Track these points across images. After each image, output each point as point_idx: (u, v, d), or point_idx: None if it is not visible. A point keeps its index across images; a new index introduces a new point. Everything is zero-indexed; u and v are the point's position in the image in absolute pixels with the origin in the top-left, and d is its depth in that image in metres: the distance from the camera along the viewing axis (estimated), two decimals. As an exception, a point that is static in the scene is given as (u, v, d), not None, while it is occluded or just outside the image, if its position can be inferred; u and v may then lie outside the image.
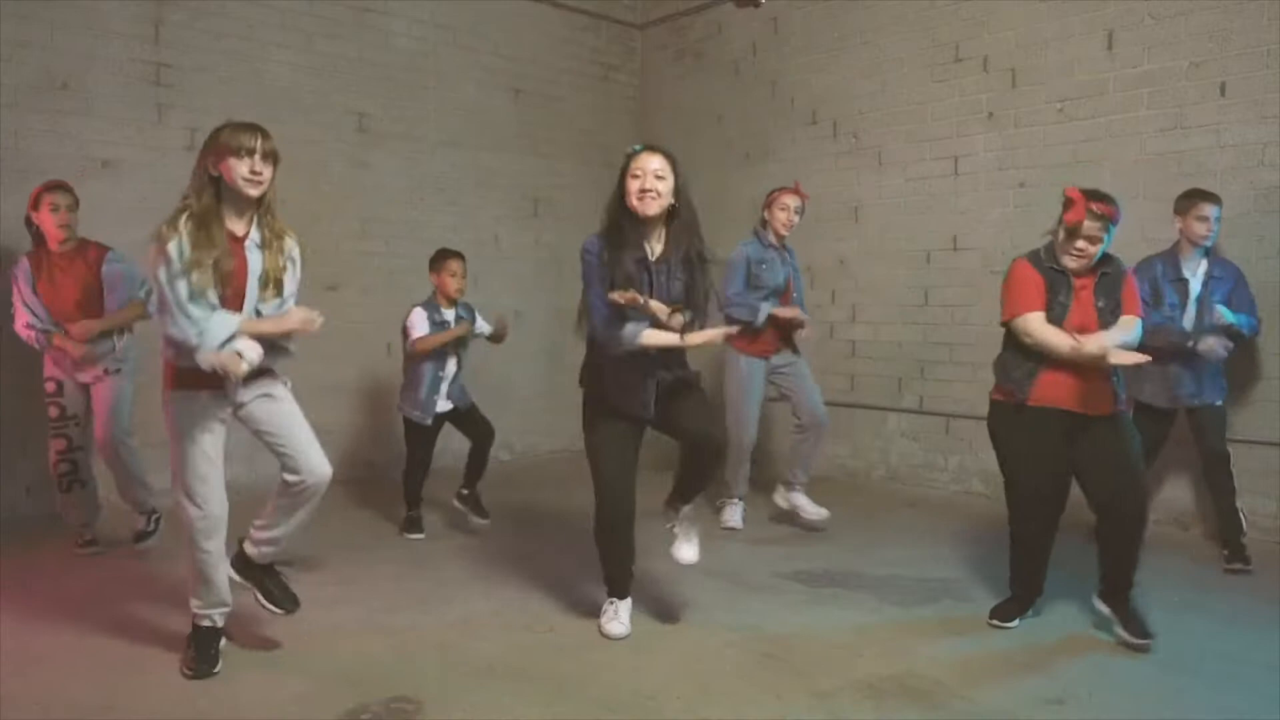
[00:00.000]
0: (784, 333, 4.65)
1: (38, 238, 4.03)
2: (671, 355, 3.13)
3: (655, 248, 3.10)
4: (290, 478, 2.84)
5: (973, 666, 3.01)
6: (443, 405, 4.55)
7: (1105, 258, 3.19)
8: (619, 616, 3.24)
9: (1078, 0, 5.10)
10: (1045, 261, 3.21)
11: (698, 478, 3.25)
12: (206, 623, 2.88)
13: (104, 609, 3.44)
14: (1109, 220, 3.07)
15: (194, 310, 2.61)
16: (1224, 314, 4.06)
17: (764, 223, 4.62)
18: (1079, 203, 3.07)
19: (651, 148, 3.04)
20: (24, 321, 4.01)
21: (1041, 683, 2.89)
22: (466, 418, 4.64)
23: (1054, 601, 3.45)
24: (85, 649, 3.07)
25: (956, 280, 5.69)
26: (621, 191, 3.04)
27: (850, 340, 6.21)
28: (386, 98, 6.13)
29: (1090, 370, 3.09)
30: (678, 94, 7.27)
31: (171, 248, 2.62)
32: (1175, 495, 4.78)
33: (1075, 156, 5.14)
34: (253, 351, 2.68)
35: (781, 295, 4.61)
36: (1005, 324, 3.26)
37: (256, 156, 2.69)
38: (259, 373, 2.77)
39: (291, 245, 2.88)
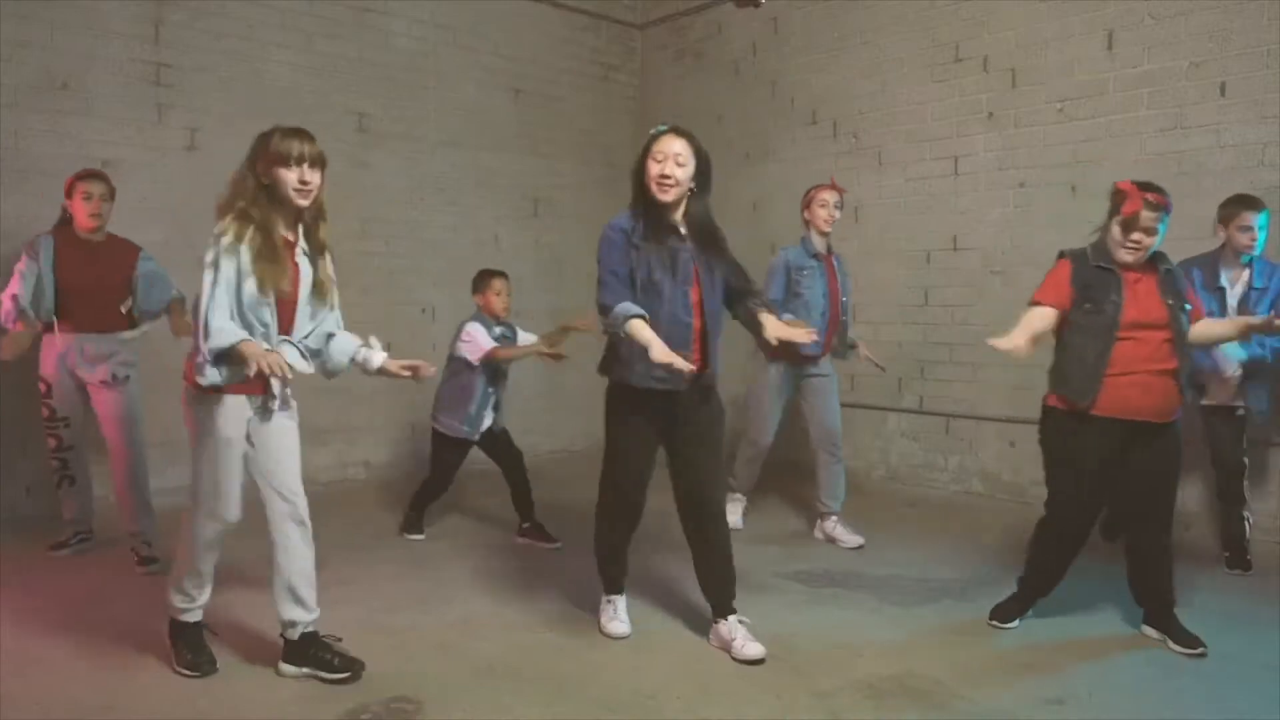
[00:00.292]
0: (833, 340, 4.54)
1: (66, 221, 3.98)
2: (682, 347, 2.93)
3: (682, 230, 3.03)
4: (268, 510, 2.80)
5: (973, 666, 3.01)
6: (486, 423, 4.47)
7: (1160, 255, 3.12)
8: (619, 614, 3.23)
9: (1078, 0, 5.10)
10: (1093, 260, 3.11)
11: (713, 557, 3.13)
12: (192, 617, 2.87)
13: (104, 609, 3.44)
14: (1164, 210, 3.01)
15: (214, 315, 2.59)
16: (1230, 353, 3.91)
17: (806, 224, 4.50)
18: (1134, 194, 3.00)
19: (676, 130, 2.97)
20: (12, 292, 3.86)
21: (1041, 683, 2.89)
22: (500, 441, 4.53)
23: (1054, 601, 3.45)
24: (85, 649, 3.06)
25: (956, 280, 5.69)
26: (642, 172, 2.99)
27: (850, 340, 6.20)
28: (386, 98, 6.13)
29: (1159, 377, 3.01)
30: (678, 94, 7.27)
31: (229, 247, 2.60)
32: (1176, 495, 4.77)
33: (1075, 156, 5.14)
34: (300, 363, 2.72)
35: (832, 309, 4.47)
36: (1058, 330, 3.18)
37: (305, 165, 2.67)
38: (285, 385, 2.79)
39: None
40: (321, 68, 5.83)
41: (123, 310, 4.08)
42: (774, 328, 3.06)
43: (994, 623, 3.32)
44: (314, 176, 2.70)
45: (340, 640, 2.94)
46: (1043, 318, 3.15)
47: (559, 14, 7.04)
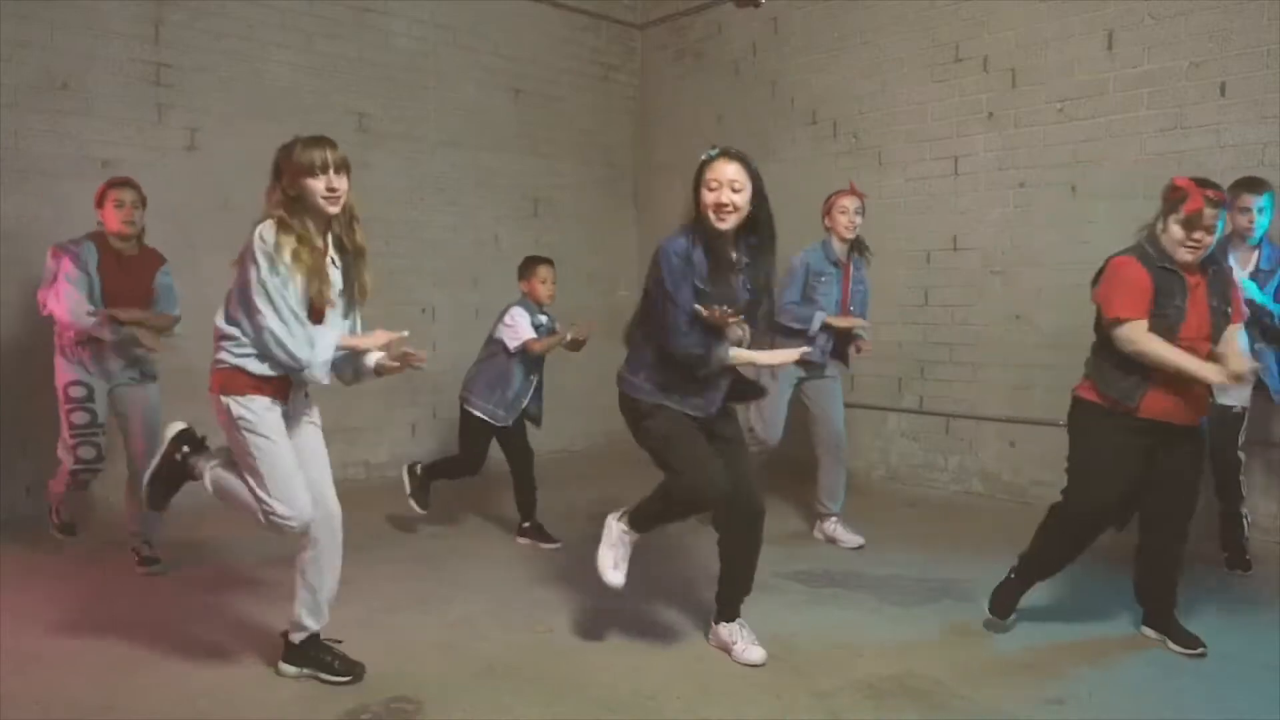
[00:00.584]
0: (839, 343, 4.49)
1: (99, 232, 3.93)
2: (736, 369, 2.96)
3: (733, 255, 2.94)
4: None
5: (973, 666, 3.01)
6: (521, 408, 4.46)
7: (1210, 254, 3.03)
8: (622, 564, 3.03)
9: (1078, 0, 5.10)
10: (1157, 260, 2.96)
11: (742, 564, 3.10)
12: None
13: (104, 609, 3.44)
14: (1224, 207, 2.94)
15: (305, 323, 2.59)
16: (1249, 288, 3.83)
17: (827, 230, 4.46)
18: (1195, 192, 2.89)
19: (727, 153, 2.86)
20: (76, 304, 3.73)
21: (1041, 683, 2.89)
22: (516, 434, 4.51)
23: (1054, 602, 3.45)
24: (85, 649, 3.07)
25: (956, 280, 5.69)
26: (697, 199, 2.86)
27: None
28: (386, 98, 6.13)
29: (1194, 384, 2.96)
30: (678, 94, 7.27)
31: (278, 256, 2.57)
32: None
33: (1075, 156, 5.14)
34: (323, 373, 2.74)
35: (839, 313, 4.45)
36: (1108, 325, 3.01)
37: (331, 172, 2.65)
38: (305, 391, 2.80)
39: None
40: (321, 68, 5.83)
41: None
42: (764, 359, 2.97)
43: (992, 614, 3.27)
44: (341, 182, 2.68)
45: (341, 642, 2.93)
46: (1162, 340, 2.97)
47: (559, 14, 7.04)
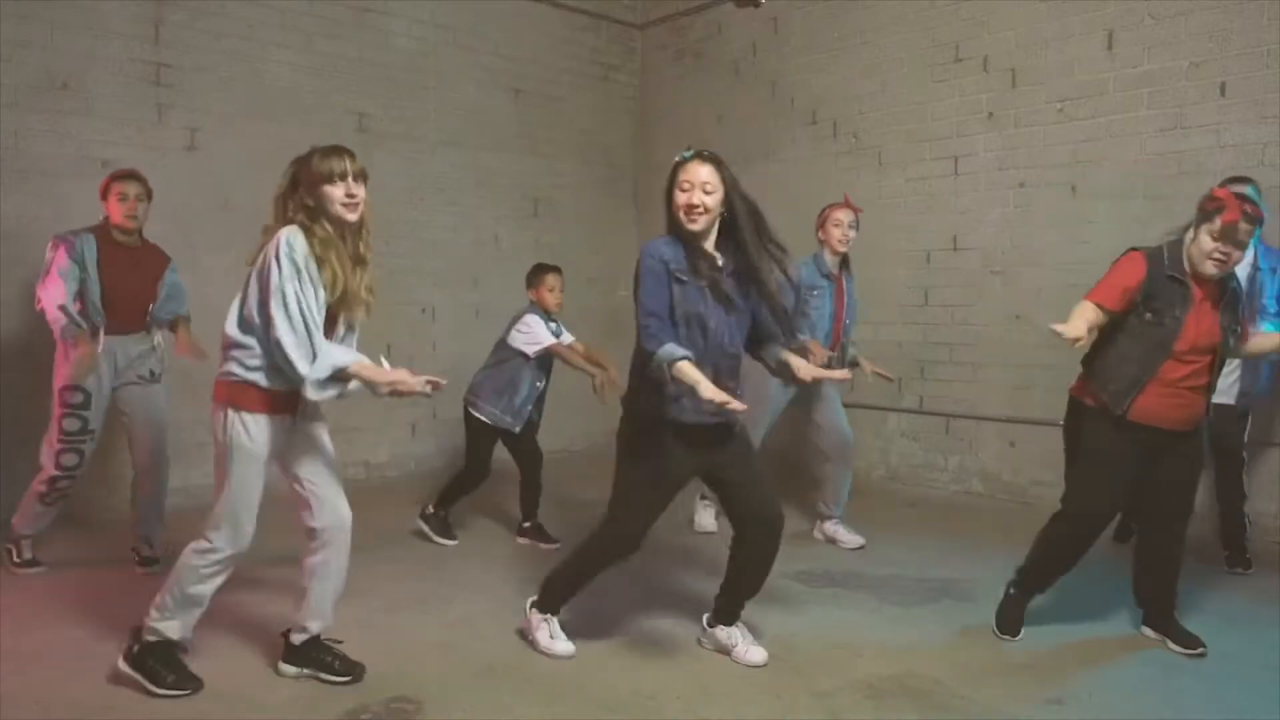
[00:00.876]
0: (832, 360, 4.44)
1: (104, 223, 3.89)
2: (730, 379, 2.89)
3: (718, 258, 2.91)
4: (312, 522, 2.79)
5: (973, 666, 3.01)
6: (527, 416, 4.46)
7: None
8: (560, 634, 3.10)
9: (1078, 0, 5.10)
10: (1167, 268, 2.95)
11: (757, 572, 3.05)
12: (172, 634, 2.73)
13: (104, 609, 3.44)
14: (1260, 224, 2.90)
15: (315, 335, 2.56)
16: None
17: (820, 243, 4.44)
18: (1233, 204, 2.85)
19: (700, 155, 2.85)
20: (58, 298, 3.67)
21: (1041, 683, 2.89)
22: (525, 437, 4.51)
23: (1054, 602, 3.44)
24: (85, 649, 3.06)
25: (956, 280, 5.69)
26: (670, 202, 2.86)
27: (850, 340, 6.19)
28: (386, 98, 6.13)
29: (1192, 389, 2.97)
30: (678, 94, 7.27)
31: (303, 262, 2.55)
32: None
33: (1075, 156, 5.14)
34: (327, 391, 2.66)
35: (835, 329, 4.44)
36: (1109, 321, 3.03)
37: (350, 179, 2.63)
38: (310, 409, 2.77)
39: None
40: (321, 68, 5.83)
41: (147, 315, 3.99)
42: (806, 370, 2.98)
43: (1004, 636, 3.21)
44: (360, 190, 2.66)
45: (342, 643, 2.93)
46: (1097, 316, 2.98)
47: (559, 14, 7.04)
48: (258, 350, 2.62)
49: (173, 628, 2.74)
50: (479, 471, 4.50)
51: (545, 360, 4.41)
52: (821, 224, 4.43)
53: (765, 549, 3.03)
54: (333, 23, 5.87)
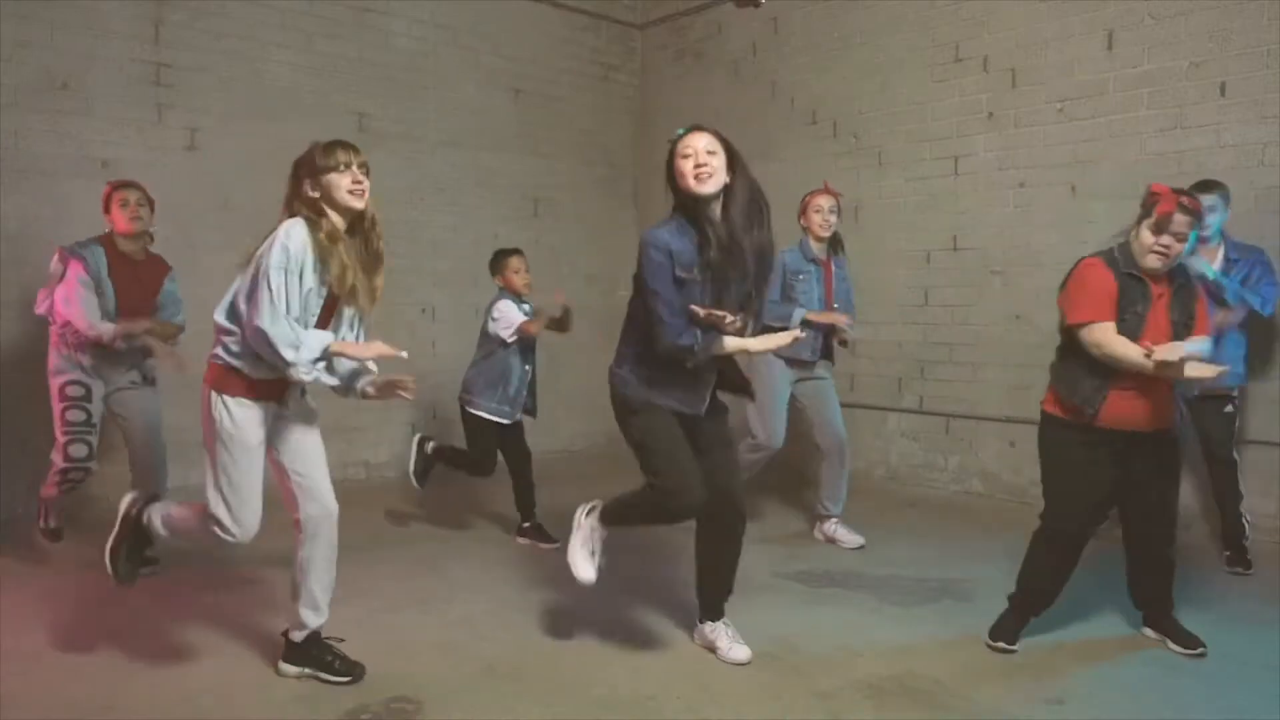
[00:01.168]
0: (825, 341, 4.49)
1: (107, 237, 3.91)
2: (727, 361, 2.93)
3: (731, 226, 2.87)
4: (300, 512, 2.79)
5: (973, 666, 3.01)
6: (522, 404, 4.46)
7: (1181, 266, 3.04)
8: (596, 555, 3.01)
9: (1078, 0, 5.10)
10: (1123, 266, 2.97)
11: (723, 569, 3.08)
12: (152, 529, 2.81)
13: (104, 609, 3.44)
14: (1197, 216, 2.92)
15: (291, 328, 2.55)
16: (1200, 266, 3.88)
17: (804, 230, 4.47)
18: (1168, 196, 2.90)
19: (697, 127, 2.85)
20: (94, 314, 3.74)
21: (1041, 683, 2.89)
22: (516, 433, 4.51)
23: (1054, 603, 3.44)
24: (85, 649, 3.07)
25: (956, 280, 5.69)
26: (673, 175, 2.84)
27: (850, 340, 6.19)
28: (386, 98, 6.13)
29: (1158, 387, 2.95)
30: (678, 94, 7.27)
31: (295, 252, 2.55)
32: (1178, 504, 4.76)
33: (1075, 156, 5.14)
34: (325, 376, 2.69)
35: (824, 309, 4.44)
36: (1071, 328, 3.01)
37: (355, 168, 2.65)
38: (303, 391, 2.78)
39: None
40: (321, 68, 5.83)
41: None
42: (759, 344, 2.90)
43: (997, 644, 3.16)
44: (366, 179, 2.68)
45: (343, 641, 2.93)
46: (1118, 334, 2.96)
47: (559, 14, 7.04)
48: (241, 338, 2.64)
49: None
50: (483, 465, 4.47)
51: (527, 342, 4.41)
52: (803, 211, 4.49)
53: (726, 544, 3.06)
54: (333, 23, 5.88)
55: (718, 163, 2.80)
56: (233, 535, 2.68)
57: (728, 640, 3.07)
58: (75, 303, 3.74)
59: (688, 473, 2.84)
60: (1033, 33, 5.28)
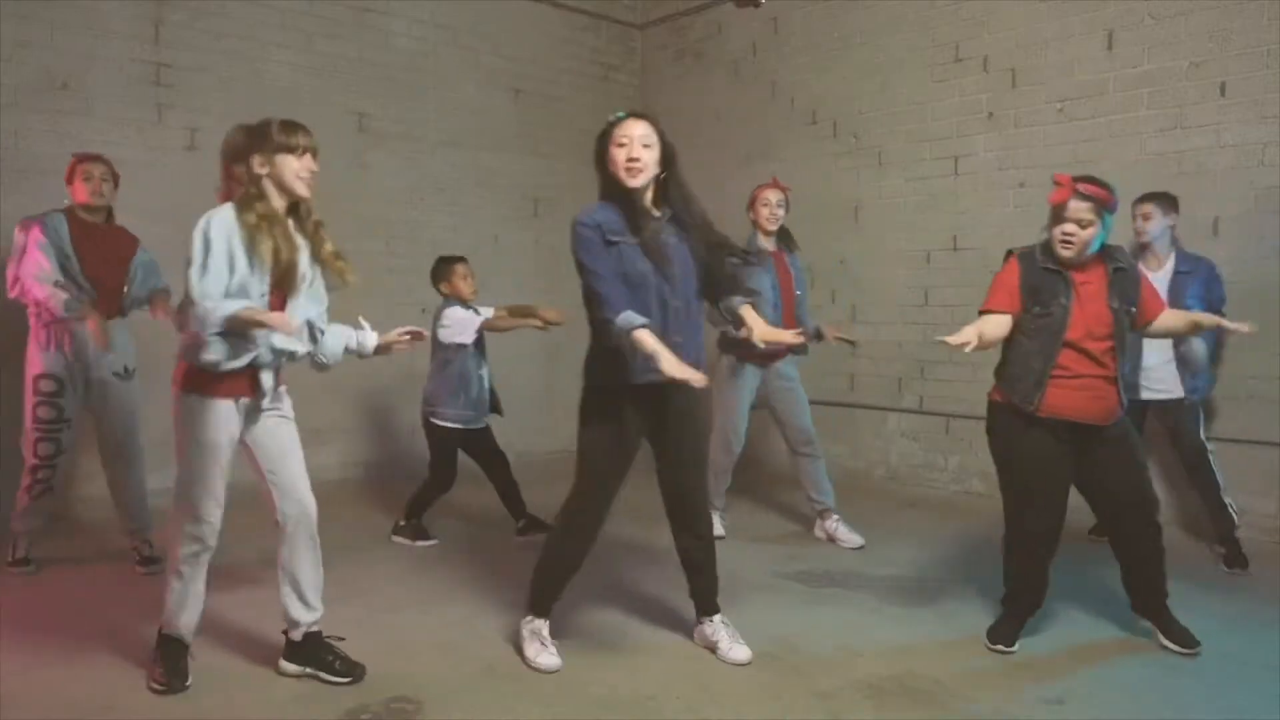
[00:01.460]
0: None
1: (69, 209, 3.91)
2: (678, 334, 2.87)
3: (657, 215, 2.92)
4: (278, 513, 2.78)
5: (973, 666, 3.01)
6: (486, 409, 4.47)
7: (1111, 253, 3.07)
8: (549, 646, 2.98)
9: (1078, 0, 5.10)
10: (1041, 261, 3.05)
11: (704, 569, 3.10)
12: (176, 634, 2.80)
13: (105, 609, 3.44)
14: (1099, 203, 2.93)
15: (206, 300, 2.54)
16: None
17: (752, 224, 4.55)
18: (1065, 183, 2.96)
19: (636, 114, 2.88)
20: (49, 275, 3.69)
21: (1041, 683, 2.89)
22: (485, 440, 4.52)
23: (1053, 602, 3.44)
24: (85, 649, 3.07)
25: (956, 280, 5.69)
26: (606, 161, 2.89)
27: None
28: (386, 98, 6.13)
29: (1098, 381, 2.98)
30: (678, 94, 7.27)
31: (216, 239, 2.55)
32: (1175, 496, 4.77)
33: (1075, 156, 5.13)
34: (296, 343, 2.72)
35: (785, 302, 4.47)
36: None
37: (309, 155, 2.67)
38: (277, 384, 2.77)
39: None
40: (321, 68, 5.83)
41: (122, 299, 4.00)
42: (761, 331, 2.96)
43: (997, 648, 3.15)
44: (315, 165, 2.71)
45: (344, 640, 2.93)
46: (996, 325, 3.07)
47: (559, 14, 7.04)
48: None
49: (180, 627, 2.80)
50: (446, 478, 4.50)
51: (480, 344, 4.42)
52: (751, 204, 4.56)
53: (693, 528, 3.07)
54: (333, 23, 5.88)
55: (650, 157, 2.83)
56: (202, 533, 2.69)
57: (728, 640, 3.07)
58: (26, 264, 3.73)
59: (602, 495, 2.94)
60: (1033, 33, 5.28)
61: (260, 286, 2.63)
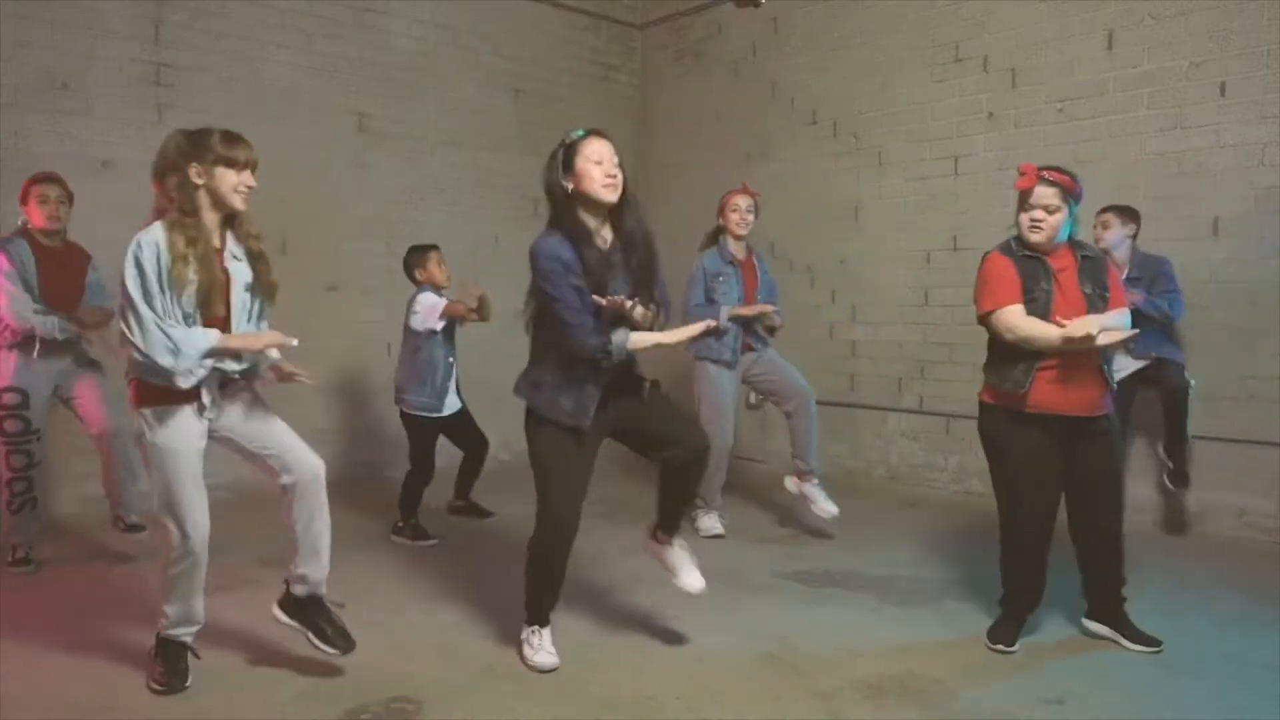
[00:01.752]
0: (750, 331, 4.56)
1: (24, 230, 3.93)
2: (629, 360, 2.90)
3: (606, 237, 2.91)
4: (285, 479, 2.78)
5: (973, 666, 3.01)
6: (453, 400, 4.51)
7: (1079, 243, 3.13)
8: (545, 645, 3.00)
9: (1078, 0, 5.10)
10: (1017, 250, 3.09)
11: (684, 494, 3.09)
12: (174, 638, 2.80)
13: (104, 610, 3.44)
14: (1064, 189, 2.99)
15: (171, 329, 2.52)
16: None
17: (721, 229, 4.57)
18: (1030, 171, 3.02)
19: (597, 132, 2.88)
20: (24, 303, 3.76)
21: (1041, 683, 2.89)
22: (468, 427, 4.59)
23: (1053, 602, 3.44)
24: (85, 649, 3.07)
25: (956, 280, 5.67)
26: (561, 179, 2.85)
27: (850, 340, 6.21)
28: (386, 98, 6.13)
29: (1084, 369, 3.00)
30: (678, 94, 7.27)
31: (148, 262, 2.53)
32: (1174, 496, 4.76)
33: (1075, 156, 5.12)
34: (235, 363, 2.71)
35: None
36: (983, 319, 3.11)
37: (250, 170, 2.65)
38: (232, 384, 2.75)
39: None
40: (321, 68, 5.83)
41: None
42: (669, 338, 2.88)
43: (997, 648, 3.15)
44: (253, 181, 2.68)
45: (343, 606, 2.92)
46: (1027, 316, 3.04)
47: (559, 14, 7.04)
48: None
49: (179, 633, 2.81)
50: (424, 473, 4.54)
51: (449, 332, 4.45)
52: (721, 210, 4.60)
53: (693, 467, 3.02)
54: (333, 23, 5.88)
55: (621, 175, 2.85)
56: (191, 545, 2.67)
57: (686, 566, 3.12)
58: (2, 294, 3.78)
59: (566, 509, 2.89)
60: (1033, 33, 5.28)
61: (187, 307, 2.58)
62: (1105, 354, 3.06)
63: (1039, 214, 3.01)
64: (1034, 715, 2.67)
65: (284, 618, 2.88)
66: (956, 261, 5.68)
